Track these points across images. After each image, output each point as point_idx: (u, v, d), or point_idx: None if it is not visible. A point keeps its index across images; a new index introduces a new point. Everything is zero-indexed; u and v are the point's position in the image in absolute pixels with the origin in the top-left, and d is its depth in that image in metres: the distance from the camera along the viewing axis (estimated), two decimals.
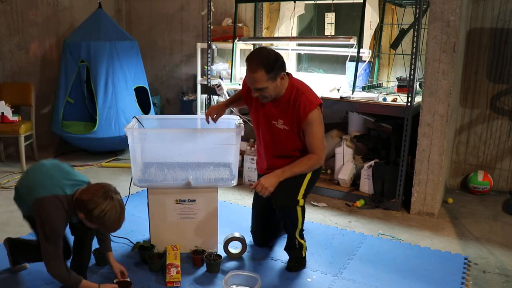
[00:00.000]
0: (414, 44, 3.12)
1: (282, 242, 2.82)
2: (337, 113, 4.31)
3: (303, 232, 2.58)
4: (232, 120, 2.86)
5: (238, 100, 2.80)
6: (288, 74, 2.46)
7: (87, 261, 2.32)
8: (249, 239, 2.82)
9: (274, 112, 2.48)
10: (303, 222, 2.52)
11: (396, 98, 3.37)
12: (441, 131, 3.14)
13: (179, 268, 2.36)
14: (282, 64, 2.37)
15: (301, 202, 2.46)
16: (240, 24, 4.48)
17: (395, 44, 3.73)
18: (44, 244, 1.96)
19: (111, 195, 1.96)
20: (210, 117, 2.67)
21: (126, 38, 4.63)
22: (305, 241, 2.58)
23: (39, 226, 1.96)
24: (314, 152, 2.45)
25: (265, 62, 2.29)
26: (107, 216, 1.92)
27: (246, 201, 3.54)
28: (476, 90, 3.81)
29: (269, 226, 2.78)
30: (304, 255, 2.57)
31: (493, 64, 3.71)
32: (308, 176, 2.52)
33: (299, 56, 4.67)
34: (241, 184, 3.90)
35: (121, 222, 2.01)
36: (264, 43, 4.53)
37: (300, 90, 2.43)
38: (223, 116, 2.80)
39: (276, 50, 2.47)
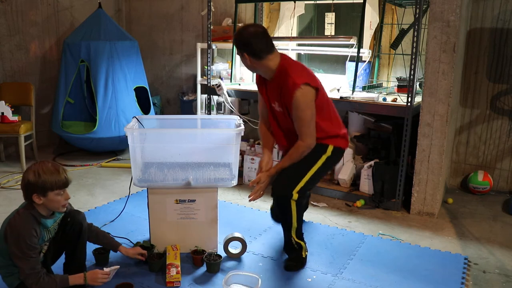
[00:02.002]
0: (414, 44, 3.12)
1: (282, 242, 2.82)
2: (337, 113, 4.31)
3: (302, 233, 2.58)
4: (232, 120, 2.86)
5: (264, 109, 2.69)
6: (264, 58, 2.40)
7: (83, 259, 2.31)
8: (249, 238, 2.82)
9: (271, 95, 2.52)
10: (298, 220, 2.51)
11: (396, 98, 3.37)
12: (441, 131, 3.14)
13: (179, 268, 2.36)
14: (246, 45, 2.38)
15: (295, 196, 2.43)
16: (240, 24, 4.48)
17: (395, 44, 3.73)
18: (24, 261, 1.94)
19: (35, 162, 2.01)
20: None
21: (126, 38, 4.63)
22: (304, 242, 2.58)
23: (13, 246, 1.93)
24: (301, 138, 2.43)
25: (234, 37, 2.50)
26: (41, 171, 1.93)
27: (246, 201, 3.54)
28: (476, 90, 3.81)
29: None
30: (304, 256, 2.57)
31: (493, 64, 3.71)
32: (314, 168, 2.48)
33: (299, 56, 4.66)
34: (241, 184, 3.90)
35: (60, 169, 1.97)
36: None
37: (286, 71, 2.39)
38: (223, 116, 2.81)
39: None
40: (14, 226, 1.94)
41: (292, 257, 2.58)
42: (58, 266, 2.31)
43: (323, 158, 2.52)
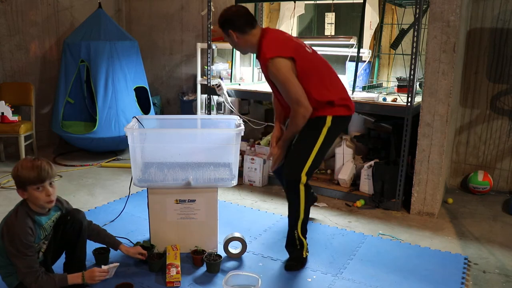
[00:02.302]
0: (414, 44, 3.12)
1: (283, 243, 2.82)
2: None
3: (306, 230, 2.59)
4: (232, 120, 2.86)
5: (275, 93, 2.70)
6: (248, 33, 2.48)
7: (83, 258, 2.30)
8: (249, 238, 2.82)
9: (262, 70, 2.59)
10: (306, 210, 2.52)
11: (396, 98, 3.37)
12: (441, 131, 3.14)
13: (179, 268, 2.36)
14: (230, 23, 2.48)
15: (304, 179, 2.46)
16: None
17: (395, 44, 3.73)
18: (21, 260, 1.94)
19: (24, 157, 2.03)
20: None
21: (126, 38, 4.63)
22: (306, 240, 2.58)
23: (9, 244, 1.93)
24: (291, 108, 2.46)
25: (218, 20, 2.56)
26: (20, 167, 1.97)
27: (246, 201, 3.54)
28: (476, 90, 3.81)
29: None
30: (305, 256, 2.57)
31: (493, 64, 3.71)
32: (317, 146, 2.48)
33: None
34: (241, 184, 3.90)
35: (34, 165, 1.97)
36: None
37: (261, 46, 2.47)
38: (223, 116, 2.82)
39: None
40: (10, 225, 1.96)
41: (292, 256, 2.58)
42: (58, 266, 2.31)
43: (324, 131, 2.49)
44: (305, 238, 2.58)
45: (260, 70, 2.67)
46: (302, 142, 2.51)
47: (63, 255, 2.32)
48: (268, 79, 2.53)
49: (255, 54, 2.62)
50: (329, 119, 2.49)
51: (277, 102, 2.73)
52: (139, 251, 2.43)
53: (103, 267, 2.15)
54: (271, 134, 2.71)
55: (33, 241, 1.98)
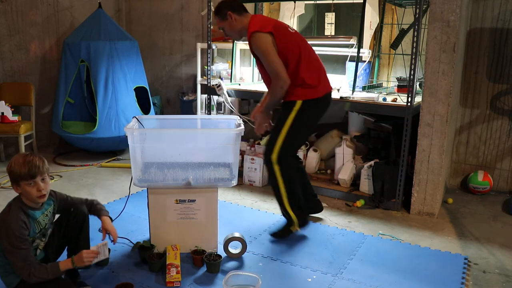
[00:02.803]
0: (414, 44, 3.12)
1: (283, 243, 2.83)
2: (337, 113, 4.31)
3: (299, 205, 2.79)
4: (232, 120, 2.86)
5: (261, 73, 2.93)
6: (243, 14, 2.76)
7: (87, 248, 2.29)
8: (249, 238, 2.82)
9: (250, 50, 2.78)
10: (287, 186, 2.69)
11: (396, 98, 3.37)
12: (441, 131, 3.14)
13: (179, 268, 2.36)
14: (228, 5, 2.76)
15: (274, 157, 2.67)
16: None
17: (395, 44, 3.73)
18: (16, 255, 1.94)
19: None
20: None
21: (126, 38, 4.63)
22: (299, 217, 2.77)
23: (4, 240, 1.94)
24: (272, 79, 2.69)
25: (215, 9, 2.82)
26: (13, 162, 2.00)
27: (246, 201, 3.54)
28: (476, 90, 3.81)
29: None
30: (293, 230, 2.79)
31: (493, 64, 3.71)
32: (286, 126, 2.71)
33: None
34: (241, 184, 3.90)
35: (26, 160, 1.98)
36: None
37: (249, 25, 2.71)
38: (223, 116, 2.85)
39: None
40: (3, 220, 1.97)
41: (282, 227, 2.85)
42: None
43: (292, 114, 2.72)
44: (296, 213, 2.80)
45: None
46: (275, 125, 2.78)
47: (64, 253, 2.32)
48: (253, 53, 2.76)
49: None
50: (298, 103, 2.72)
51: (263, 75, 2.91)
52: (108, 230, 2.26)
53: (92, 248, 2.13)
54: (261, 101, 2.93)
55: (27, 235, 1.99)
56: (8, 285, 2.05)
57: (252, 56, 2.87)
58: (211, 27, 4.11)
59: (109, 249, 2.43)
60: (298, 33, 2.91)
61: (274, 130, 2.77)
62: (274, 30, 2.67)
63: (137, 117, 2.77)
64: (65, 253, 2.33)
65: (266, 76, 2.79)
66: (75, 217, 2.23)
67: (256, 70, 4.60)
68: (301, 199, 2.89)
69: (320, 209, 3.16)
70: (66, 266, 2.04)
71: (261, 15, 2.89)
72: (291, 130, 2.72)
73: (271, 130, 2.82)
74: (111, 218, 2.34)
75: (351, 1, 4.09)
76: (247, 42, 2.78)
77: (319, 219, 3.21)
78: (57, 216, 2.26)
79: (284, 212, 2.83)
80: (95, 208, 2.33)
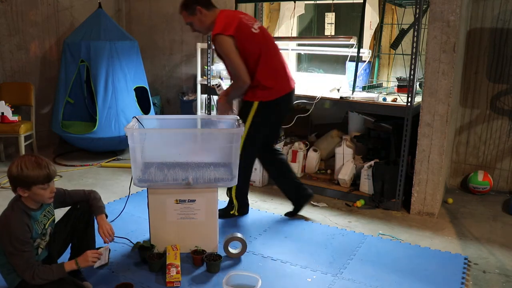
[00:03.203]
0: (414, 44, 3.12)
1: (283, 243, 2.83)
2: (337, 113, 4.31)
3: (244, 198, 3.12)
4: (232, 120, 2.86)
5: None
6: (212, 9, 2.80)
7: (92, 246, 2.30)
8: (249, 238, 2.82)
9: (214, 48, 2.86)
10: (243, 180, 2.87)
11: (396, 98, 3.37)
12: (441, 131, 3.14)
13: (179, 268, 2.36)
14: (196, 0, 2.78)
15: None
16: None
17: (395, 44, 3.73)
18: (19, 257, 1.94)
19: (19, 156, 2.00)
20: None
21: (126, 38, 4.63)
22: (241, 204, 3.11)
23: (7, 243, 1.93)
24: (233, 78, 2.84)
25: (183, 3, 2.82)
26: (23, 165, 1.93)
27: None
28: (476, 90, 3.81)
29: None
30: (231, 213, 3.11)
31: (493, 64, 3.71)
32: (248, 124, 2.82)
33: (299, 56, 4.67)
34: None
35: (43, 163, 1.97)
36: None
37: (216, 22, 2.76)
38: (223, 116, 2.86)
39: None
40: (5, 224, 1.95)
41: (223, 208, 3.09)
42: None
43: (251, 114, 2.84)
44: (240, 201, 3.10)
45: None
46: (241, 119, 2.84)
47: (67, 251, 2.32)
48: (216, 52, 2.83)
49: None
50: (255, 104, 2.83)
51: (228, 71, 3.00)
52: (107, 231, 2.22)
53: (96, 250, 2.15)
54: (226, 89, 3.00)
55: (30, 237, 1.99)
56: (10, 284, 2.05)
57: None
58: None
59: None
60: (265, 30, 2.94)
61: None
62: (236, 32, 2.72)
63: (137, 117, 2.77)
64: (67, 252, 2.33)
65: (229, 73, 2.94)
66: (81, 214, 2.23)
67: None
68: (293, 190, 3.18)
69: (310, 194, 3.23)
70: (71, 267, 2.05)
71: (228, 10, 2.92)
72: (252, 128, 2.85)
73: None
74: (106, 215, 2.30)
75: (351, 1, 4.09)
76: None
77: (319, 219, 3.21)
78: (57, 218, 2.26)
79: (229, 196, 3.11)
80: (92, 205, 2.29)
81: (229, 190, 3.09)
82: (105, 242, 2.23)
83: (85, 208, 2.26)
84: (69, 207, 2.29)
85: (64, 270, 2.03)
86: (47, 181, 1.97)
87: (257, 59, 2.78)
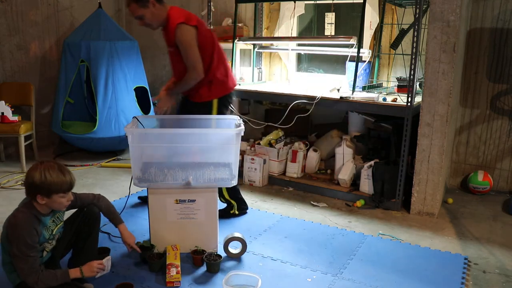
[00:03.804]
0: (414, 44, 3.12)
1: (283, 243, 2.83)
2: (337, 113, 4.31)
3: (235, 194, 3.11)
4: (232, 120, 2.86)
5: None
6: (163, 4, 2.84)
7: (91, 255, 2.30)
8: (249, 238, 2.82)
9: (166, 39, 2.91)
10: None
11: (396, 98, 3.37)
12: (441, 131, 3.14)
13: (179, 268, 2.36)
14: None
15: None
16: (240, 24, 4.48)
17: (395, 44, 3.73)
18: (23, 261, 1.93)
19: (40, 161, 1.99)
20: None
21: (126, 38, 4.63)
22: (239, 202, 3.14)
23: (14, 246, 1.92)
24: (188, 70, 2.84)
25: None
26: (47, 174, 1.93)
27: (246, 201, 3.53)
28: (476, 90, 3.81)
29: None
30: (232, 212, 3.14)
31: (493, 64, 3.71)
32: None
33: (299, 56, 4.67)
34: (241, 184, 3.90)
35: (66, 173, 1.98)
36: (264, 43, 4.53)
37: (170, 16, 2.82)
38: (223, 116, 2.86)
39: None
40: (14, 226, 1.94)
41: (224, 208, 3.12)
42: (63, 262, 2.31)
43: (214, 114, 2.99)
44: (235, 199, 3.13)
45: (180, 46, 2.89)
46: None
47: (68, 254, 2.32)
48: (172, 44, 2.85)
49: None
50: (215, 102, 2.96)
51: (175, 64, 3.02)
52: (131, 244, 2.36)
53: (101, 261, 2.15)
54: (167, 84, 3.08)
55: (37, 242, 1.98)
56: (13, 282, 2.06)
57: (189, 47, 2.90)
58: (211, 27, 4.11)
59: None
60: (212, 30, 3.15)
61: None
62: (198, 25, 2.83)
63: (137, 117, 2.77)
64: (68, 254, 2.33)
65: (178, 65, 2.93)
66: (86, 218, 2.23)
67: (256, 70, 4.60)
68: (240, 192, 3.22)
69: (246, 206, 3.28)
70: (75, 275, 2.06)
71: (178, 7, 2.94)
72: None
73: None
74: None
75: (351, 1, 4.09)
76: (164, 30, 2.90)
77: (319, 219, 3.21)
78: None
79: (224, 200, 3.12)
80: (109, 213, 2.35)
81: (221, 195, 3.08)
82: (129, 250, 2.37)
83: (91, 214, 2.25)
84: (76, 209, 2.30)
85: (69, 278, 2.04)
86: (68, 190, 2.00)
87: (211, 55, 2.90)
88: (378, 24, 3.95)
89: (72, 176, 2.01)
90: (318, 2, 4.18)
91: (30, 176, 1.94)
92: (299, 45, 4.35)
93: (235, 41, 4.28)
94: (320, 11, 4.44)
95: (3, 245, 2.01)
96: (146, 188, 2.60)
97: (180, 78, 2.94)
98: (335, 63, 4.41)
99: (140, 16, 2.80)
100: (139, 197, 3.40)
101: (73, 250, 2.30)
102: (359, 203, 3.46)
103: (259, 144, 4.02)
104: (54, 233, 2.11)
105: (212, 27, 4.09)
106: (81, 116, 4.80)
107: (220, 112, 3.01)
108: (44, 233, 2.03)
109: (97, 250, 2.38)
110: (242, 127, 2.59)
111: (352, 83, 3.63)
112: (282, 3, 4.36)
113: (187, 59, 2.83)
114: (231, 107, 3.16)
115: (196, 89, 2.93)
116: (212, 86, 2.94)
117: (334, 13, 4.06)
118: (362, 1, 3.55)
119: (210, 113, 2.97)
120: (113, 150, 4.71)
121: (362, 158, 3.80)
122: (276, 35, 4.49)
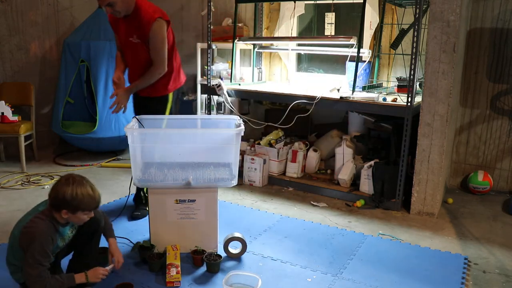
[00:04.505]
0: (414, 44, 3.12)
1: (283, 243, 2.83)
2: (337, 113, 4.31)
3: None
4: (232, 120, 2.86)
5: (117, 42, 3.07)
6: None
7: (92, 258, 2.30)
8: (249, 238, 2.82)
9: (130, 29, 2.86)
10: None
11: (396, 98, 3.38)
12: (441, 131, 3.14)
13: (179, 268, 2.36)
14: None
15: None
16: (240, 24, 4.48)
17: (395, 44, 3.73)
18: (34, 268, 1.92)
19: (72, 177, 2.00)
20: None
21: None
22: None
23: (28, 252, 1.92)
24: (154, 64, 2.87)
25: None
26: (79, 193, 1.94)
27: (246, 201, 3.54)
28: (476, 90, 3.82)
29: None
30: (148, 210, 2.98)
31: (493, 64, 3.71)
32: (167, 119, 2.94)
33: (299, 56, 4.67)
34: (241, 184, 3.90)
35: (96, 193, 2.01)
36: (264, 43, 4.53)
37: (142, 7, 2.82)
38: (223, 116, 2.85)
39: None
40: (32, 233, 1.93)
41: (139, 209, 3.10)
42: (63, 263, 2.30)
43: (168, 107, 3.05)
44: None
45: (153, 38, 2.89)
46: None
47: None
48: (142, 36, 2.81)
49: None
50: (170, 96, 3.04)
51: (120, 56, 3.04)
52: (117, 256, 2.24)
53: (106, 268, 2.16)
54: (113, 76, 3.01)
55: (51, 250, 1.99)
56: (17, 280, 2.06)
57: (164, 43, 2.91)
58: (211, 27, 4.11)
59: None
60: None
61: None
62: (169, 19, 2.90)
63: (137, 117, 2.77)
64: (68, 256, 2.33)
65: (140, 57, 2.91)
66: (90, 221, 2.22)
67: (256, 70, 4.61)
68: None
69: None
70: (80, 280, 2.06)
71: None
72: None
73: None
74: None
75: (351, 1, 4.09)
76: (127, 20, 2.85)
77: (319, 219, 3.21)
78: None
79: (139, 194, 3.16)
80: (106, 227, 2.33)
81: (138, 191, 3.15)
82: (109, 263, 2.22)
83: (95, 221, 2.22)
84: None
85: (74, 282, 2.04)
86: (95, 209, 2.03)
87: (171, 50, 2.97)
88: (378, 24, 3.95)
89: (99, 195, 2.03)
90: (318, 2, 4.18)
91: (60, 192, 1.94)
92: (299, 45, 4.35)
93: (235, 41, 4.28)
94: (320, 11, 4.44)
95: (12, 247, 2.00)
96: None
97: (139, 70, 2.93)
98: (335, 63, 4.41)
99: (111, 3, 2.76)
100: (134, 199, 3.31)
101: (74, 251, 2.30)
102: (359, 203, 3.46)
103: (259, 144, 4.02)
104: (66, 241, 2.12)
105: (212, 27, 4.09)
106: (81, 116, 4.80)
107: (171, 107, 3.08)
108: (58, 241, 2.04)
109: (97, 253, 2.37)
110: (242, 127, 2.59)
111: (352, 83, 3.63)
112: (282, 3, 4.36)
113: (157, 54, 2.85)
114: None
115: (152, 84, 2.95)
116: (170, 81, 3.02)
117: (334, 13, 4.06)
118: (362, 1, 3.55)
119: (165, 107, 3.03)
120: (113, 150, 4.71)
121: (362, 158, 3.80)
122: (276, 35, 4.50)
